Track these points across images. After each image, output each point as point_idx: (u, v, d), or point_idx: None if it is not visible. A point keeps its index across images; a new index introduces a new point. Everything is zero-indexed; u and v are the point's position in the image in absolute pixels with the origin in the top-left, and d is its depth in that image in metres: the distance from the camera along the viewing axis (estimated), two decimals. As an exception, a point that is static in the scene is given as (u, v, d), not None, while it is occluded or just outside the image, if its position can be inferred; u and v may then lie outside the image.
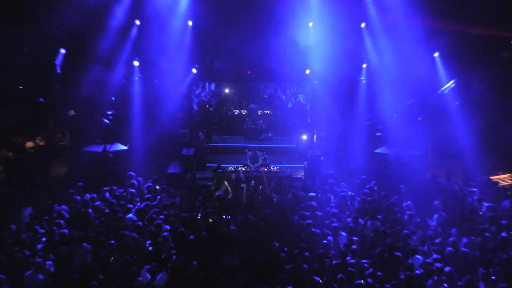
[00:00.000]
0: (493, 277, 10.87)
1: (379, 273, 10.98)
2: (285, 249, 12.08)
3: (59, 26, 17.94)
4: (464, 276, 11.09)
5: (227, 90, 23.65)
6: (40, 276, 10.83)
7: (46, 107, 18.17)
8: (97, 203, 14.71)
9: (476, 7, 18.90)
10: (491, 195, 15.45)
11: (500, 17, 18.78)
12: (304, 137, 20.36)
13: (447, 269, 11.22)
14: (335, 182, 16.89)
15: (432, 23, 19.15)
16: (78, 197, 14.65)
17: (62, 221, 13.20)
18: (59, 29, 18.12)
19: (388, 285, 10.50)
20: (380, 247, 12.17)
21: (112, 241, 12.08)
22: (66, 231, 12.53)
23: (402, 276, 11.01)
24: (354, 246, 12.15)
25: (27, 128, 18.93)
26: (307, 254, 11.78)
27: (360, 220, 13.71)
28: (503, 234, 12.71)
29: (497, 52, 19.23)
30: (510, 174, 17.71)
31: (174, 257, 11.58)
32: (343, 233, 12.90)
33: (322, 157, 18.89)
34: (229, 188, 16.09)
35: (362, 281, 10.77)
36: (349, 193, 15.52)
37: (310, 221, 13.17)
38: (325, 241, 12.41)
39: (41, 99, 17.92)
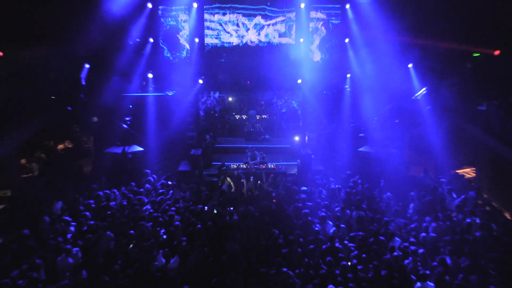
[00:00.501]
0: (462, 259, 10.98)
1: (364, 255, 11.11)
2: (281, 236, 12.10)
3: (84, 45, 18.11)
4: (435, 256, 11.27)
5: (230, 99, 23.67)
6: (70, 260, 10.90)
7: (73, 114, 18.22)
8: (118, 197, 14.76)
9: (444, 25, 19.00)
10: (458, 186, 15.54)
11: (464, 34, 18.88)
12: (297, 138, 20.39)
13: (420, 251, 11.37)
14: (325, 177, 16.98)
15: (406, 38, 19.24)
16: (101, 192, 14.66)
17: (88, 213, 13.25)
18: (84, 47, 18.29)
19: (370, 265, 10.57)
20: (364, 232, 12.28)
21: (131, 231, 12.12)
22: (91, 221, 12.66)
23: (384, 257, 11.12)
24: (340, 233, 12.26)
25: (58, 133, 18.99)
26: (301, 240, 11.89)
27: (347, 211, 13.79)
28: (468, 220, 12.86)
29: (462, 63, 19.31)
30: (473, 168, 17.80)
31: (184, 243, 11.68)
32: (330, 222, 12.94)
33: (312, 155, 18.83)
34: (232, 183, 16.16)
35: (348, 262, 10.86)
36: (336, 186, 15.57)
37: (307, 210, 13.18)
38: (316, 229, 12.47)
39: (69, 108, 17.98)
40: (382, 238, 11.94)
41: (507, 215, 14.87)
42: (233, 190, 15.82)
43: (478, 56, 18.69)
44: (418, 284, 10.10)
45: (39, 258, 10.88)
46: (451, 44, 18.77)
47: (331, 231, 12.49)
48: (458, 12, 19.24)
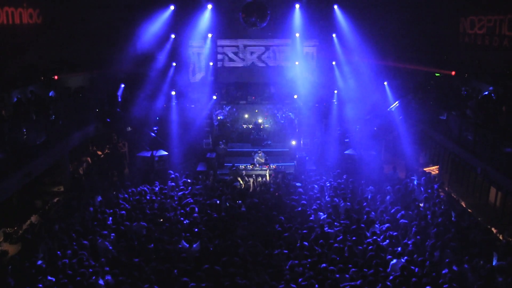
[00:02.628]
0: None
1: (348, 236, 11.25)
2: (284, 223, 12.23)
3: (120, 69, 18.34)
4: (406, 237, 11.40)
5: (246, 116, 23.54)
6: (107, 243, 11.08)
7: (111, 125, 18.40)
8: (148, 192, 14.79)
9: (412, 52, 19.26)
10: (425, 181, 15.64)
11: (428, 58, 19.09)
12: (294, 142, 20.46)
13: (395, 233, 11.48)
14: (317, 174, 17.11)
15: (382, 61, 19.40)
16: (134, 189, 14.80)
17: (123, 205, 13.39)
18: (120, 70, 18.52)
19: (351, 242, 10.74)
20: (349, 221, 12.40)
21: (159, 220, 12.31)
22: (123, 212, 12.76)
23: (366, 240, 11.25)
24: (329, 220, 12.37)
25: (100, 140, 19.17)
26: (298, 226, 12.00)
27: (336, 199, 13.88)
28: (432, 209, 13.02)
29: (426, 81, 19.38)
30: (437, 166, 17.86)
31: (202, 230, 11.82)
32: (320, 212, 13.04)
33: (307, 157, 18.90)
34: (241, 180, 16.32)
35: (336, 244, 10.98)
36: (327, 183, 15.66)
37: (304, 201, 13.31)
38: (311, 218, 12.59)
39: (108, 120, 18.17)
40: (362, 225, 12.03)
41: (463, 204, 15.01)
42: (242, 186, 15.96)
43: (439, 75, 18.78)
44: (394, 260, 10.23)
45: (85, 240, 11.13)
46: (417, 66, 18.95)
47: (322, 219, 12.62)
48: (423, 41, 19.53)
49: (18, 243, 12.28)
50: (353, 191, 14.86)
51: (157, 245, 10.98)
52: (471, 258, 10.15)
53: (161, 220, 12.48)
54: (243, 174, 16.68)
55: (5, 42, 15.09)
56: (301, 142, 20.88)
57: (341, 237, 11.45)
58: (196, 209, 13.13)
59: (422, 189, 14.93)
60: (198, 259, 10.39)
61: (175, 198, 14.17)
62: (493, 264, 10.18)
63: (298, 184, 15.51)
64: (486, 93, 16.23)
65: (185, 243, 11.16)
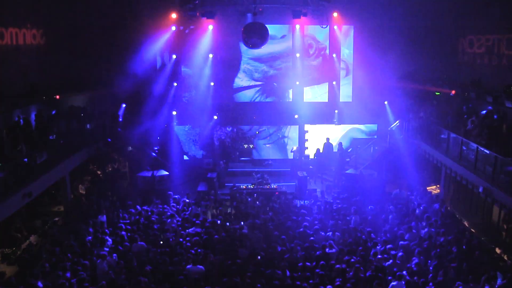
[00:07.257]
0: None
1: (347, 257, 11.11)
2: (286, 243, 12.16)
3: (121, 89, 18.42)
4: (409, 258, 11.28)
5: (247, 135, 23.52)
6: (105, 264, 10.89)
7: (112, 145, 18.42)
8: (148, 212, 14.77)
9: (412, 71, 19.40)
10: (426, 200, 15.57)
11: (428, 78, 19.24)
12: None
13: (399, 254, 11.35)
14: (318, 194, 17.04)
15: (383, 81, 19.53)
16: (132, 209, 14.75)
17: (124, 225, 13.27)
18: (121, 90, 18.61)
19: (357, 265, 10.57)
20: (351, 240, 12.30)
21: (160, 240, 12.21)
22: (123, 233, 12.66)
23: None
24: (331, 241, 12.21)
25: (101, 160, 19.17)
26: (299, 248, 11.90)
27: (339, 222, 13.73)
28: (434, 229, 12.90)
29: (426, 100, 19.47)
30: (438, 185, 17.81)
31: (203, 251, 11.67)
32: (322, 232, 12.94)
33: (308, 177, 19.00)
34: (242, 200, 16.20)
35: (339, 265, 10.86)
36: (328, 201, 15.60)
37: (306, 223, 13.22)
38: (312, 238, 12.50)
39: (109, 140, 18.20)
40: (369, 244, 12.00)
41: (466, 223, 14.91)
42: (243, 206, 15.86)
43: (439, 94, 18.88)
44: (394, 283, 10.11)
45: (85, 261, 11.01)
46: (418, 86, 19.07)
47: (325, 238, 12.51)
48: (423, 60, 19.70)
49: (16, 264, 12.15)
50: (355, 210, 14.72)
51: (157, 266, 10.85)
52: (474, 278, 10.02)
53: (161, 242, 12.35)
54: (244, 194, 16.58)
55: (8, 63, 15.23)
56: (302, 158, 20.86)
57: (346, 257, 11.30)
58: (197, 230, 13.01)
59: (423, 208, 14.80)
60: (198, 280, 10.26)
61: (176, 218, 14.08)
62: (498, 284, 10.04)
63: (301, 202, 15.40)
64: (485, 112, 16.28)
65: (185, 264, 10.99)
